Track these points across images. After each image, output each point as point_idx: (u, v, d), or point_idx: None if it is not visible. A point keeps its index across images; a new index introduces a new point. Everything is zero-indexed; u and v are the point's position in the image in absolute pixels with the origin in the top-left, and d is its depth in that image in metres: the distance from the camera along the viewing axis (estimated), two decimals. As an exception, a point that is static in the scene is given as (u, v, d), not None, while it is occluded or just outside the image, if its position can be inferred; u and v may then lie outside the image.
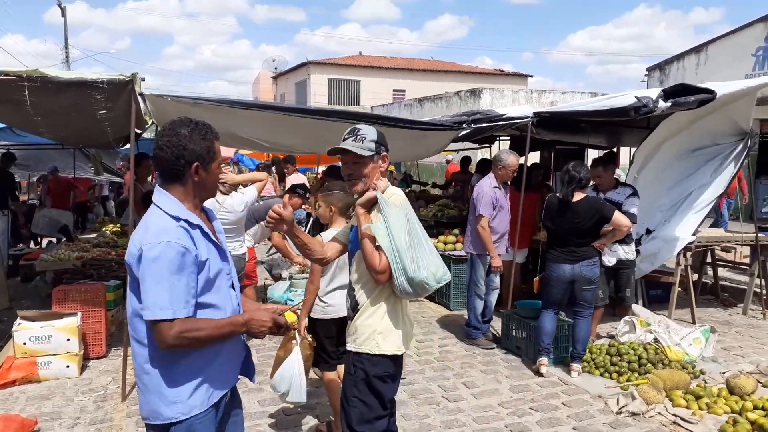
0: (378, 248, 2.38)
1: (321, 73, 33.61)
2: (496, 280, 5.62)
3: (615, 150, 8.73)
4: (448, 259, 6.93)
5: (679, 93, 5.09)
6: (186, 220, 1.86)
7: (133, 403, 4.15)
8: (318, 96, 32.90)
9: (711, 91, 5.00)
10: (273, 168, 10.47)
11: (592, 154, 15.06)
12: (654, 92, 5.06)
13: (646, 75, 17.39)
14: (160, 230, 1.79)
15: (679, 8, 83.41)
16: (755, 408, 3.89)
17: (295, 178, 9.16)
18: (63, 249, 7.31)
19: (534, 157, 11.00)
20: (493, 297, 5.66)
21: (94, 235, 9.05)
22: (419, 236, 2.43)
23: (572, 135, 7.60)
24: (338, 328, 3.42)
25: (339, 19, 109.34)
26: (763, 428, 3.63)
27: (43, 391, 4.35)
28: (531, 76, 36.23)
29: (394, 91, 33.34)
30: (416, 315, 6.61)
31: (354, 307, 2.53)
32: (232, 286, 2.04)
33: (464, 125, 6.06)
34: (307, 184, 8.40)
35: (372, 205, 2.45)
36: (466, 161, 11.03)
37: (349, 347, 2.55)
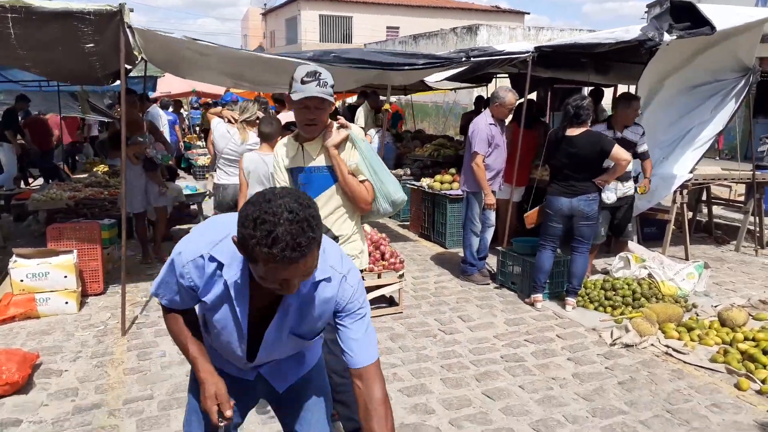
0: (363, 182, 2.66)
1: (312, 10, 32.61)
2: (492, 217, 5.62)
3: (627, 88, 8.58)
4: (444, 198, 6.92)
5: (684, 15, 4.97)
6: (218, 262, 1.57)
7: (133, 337, 4.19)
8: (309, 33, 32.03)
9: (711, 26, 4.87)
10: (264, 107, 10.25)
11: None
12: (657, 21, 4.92)
13: (645, 12, 16.94)
14: (189, 245, 1.60)
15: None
16: (746, 339, 3.98)
17: (286, 117, 8.98)
18: (55, 189, 7.22)
19: (530, 97, 10.83)
20: (489, 234, 5.68)
21: (85, 175, 8.95)
22: (383, 163, 2.76)
23: (572, 72, 7.46)
24: None
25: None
26: (752, 357, 3.73)
27: (43, 327, 4.38)
28: (528, 14, 35.33)
29: (388, 28, 32.49)
30: (412, 253, 6.65)
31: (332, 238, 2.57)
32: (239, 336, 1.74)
33: (464, 59, 5.91)
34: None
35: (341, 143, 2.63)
36: (479, 101, 10.75)
37: None
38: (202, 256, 1.57)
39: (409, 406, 3.26)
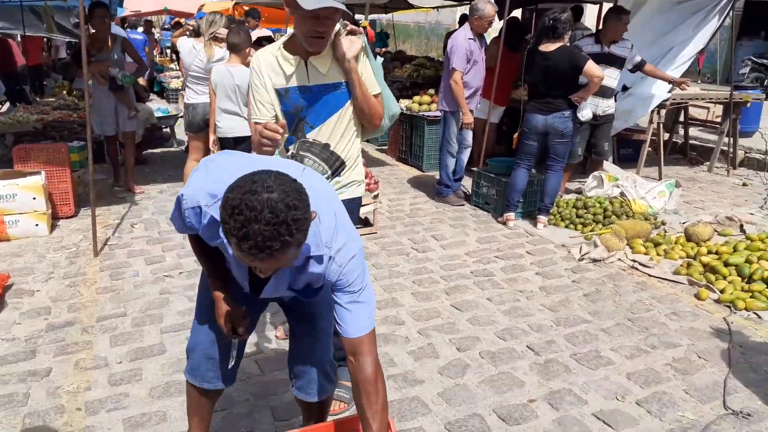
0: (377, 96, 2.32)
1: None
2: (469, 138, 5.57)
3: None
4: (422, 120, 6.83)
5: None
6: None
7: (105, 258, 4.19)
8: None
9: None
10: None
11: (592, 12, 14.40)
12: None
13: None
14: (191, 191, 1.58)
15: None
16: (709, 252, 4.09)
17: (259, 34, 8.61)
18: (21, 111, 7.00)
19: (516, 16, 10.52)
20: (465, 155, 5.65)
21: (52, 99, 8.66)
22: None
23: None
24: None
25: None
26: (714, 269, 3.84)
27: (13, 249, 4.35)
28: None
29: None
30: (389, 177, 6.63)
31: (340, 166, 2.36)
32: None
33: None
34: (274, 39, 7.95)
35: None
36: (464, 20, 10.39)
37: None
38: (200, 207, 1.55)
39: (380, 318, 3.34)
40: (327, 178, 2.32)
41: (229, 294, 1.80)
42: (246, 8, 10.31)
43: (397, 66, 9.81)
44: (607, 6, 8.26)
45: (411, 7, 10.83)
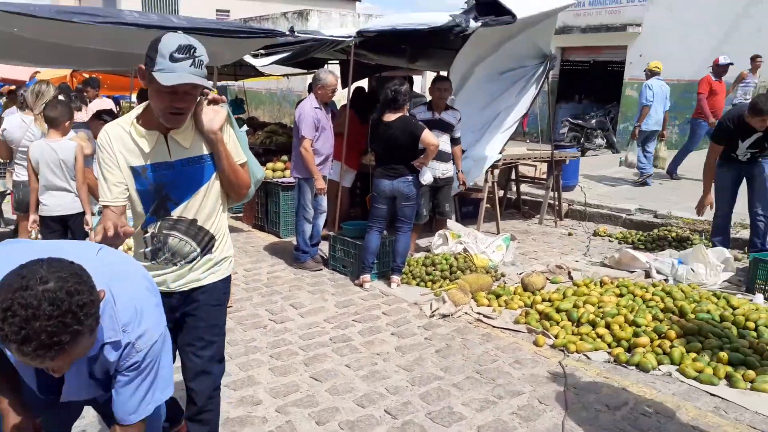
0: (243, 165, 2.27)
1: (133, -13, 30.15)
2: (324, 203, 5.70)
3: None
4: (277, 187, 6.86)
5: (489, 8, 5.41)
6: None
7: None
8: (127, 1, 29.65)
9: (512, 15, 5.36)
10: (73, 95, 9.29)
11: (418, 80, 15.47)
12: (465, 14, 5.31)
13: (465, 1, 18.13)
14: None
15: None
16: (543, 300, 4.50)
17: (99, 104, 8.22)
18: None
19: (362, 86, 11.11)
20: (321, 220, 5.76)
21: None
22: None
23: (395, 58, 7.75)
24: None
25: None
26: (548, 316, 4.22)
27: None
28: (359, 1, 35.95)
29: (218, 11, 31.15)
30: (245, 245, 6.52)
31: (210, 241, 2.27)
32: None
33: (287, 33, 5.84)
34: (115, 111, 7.63)
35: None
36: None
37: (214, 280, 2.33)
38: None
39: (236, 400, 3.23)
40: (197, 256, 2.25)
41: (21, 401, 1.56)
42: (85, 76, 9.81)
43: (250, 132, 9.84)
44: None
45: (261, 74, 11.00)
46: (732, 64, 8.98)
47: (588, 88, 16.91)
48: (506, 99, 7.03)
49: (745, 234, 5.95)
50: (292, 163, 5.77)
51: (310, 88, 10.35)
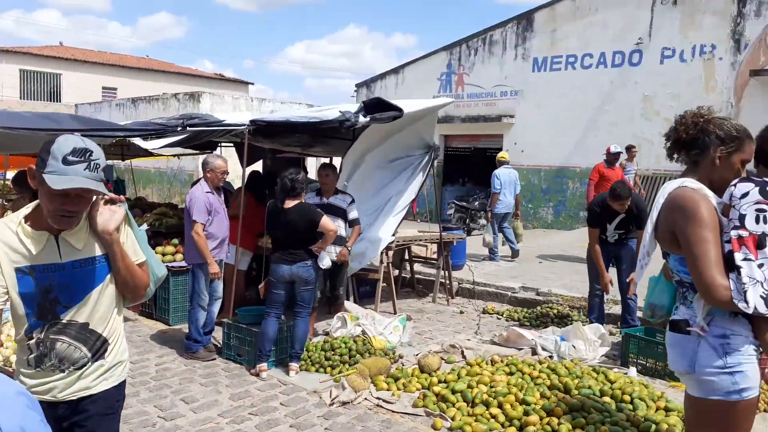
0: (141, 264, 2.20)
1: (11, 63, 28.76)
2: (219, 289, 5.57)
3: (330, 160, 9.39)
4: (167, 271, 6.59)
5: (376, 108, 5.76)
6: None
7: None
8: (6, 89, 28.07)
9: (400, 109, 5.77)
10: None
11: (312, 162, 15.86)
12: (355, 107, 5.63)
13: (355, 91, 19.08)
14: None
15: (382, 31, 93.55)
16: (439, 382, 4.62)
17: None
18: None
19: (258, 166, 11.19)
20: (216, 307, 5.60)
21: None
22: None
23: (288, 144, 7.95)
24: None
25: (34, 3, 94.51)
26: (444, 398, 4.33)
27: None
28: (252, 84, 36.63)
29: (104, 89, 30.32)
30: (130, 334, 6.13)
31: (102, 346, 2.14)
32: None
33: (179, 128, 5.85)
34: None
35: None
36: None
37: (106, 387, 2.17)
38: None
39: None
40: (87, 362, 2.11)
41: None
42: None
43: (138, 214, 9.47)
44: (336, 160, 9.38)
45: (150, 154, 10.75)
46: (621, 152, 9.72)
47: (471, 171, 18.16)
48: (396, 185, 7.40)
49: (618, 310, 6.51)
50: (184, 249, 5.63)
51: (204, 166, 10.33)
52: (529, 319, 6.73)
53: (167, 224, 8.34)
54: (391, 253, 7.06)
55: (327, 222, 4.88)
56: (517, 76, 15.50)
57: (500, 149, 16.00)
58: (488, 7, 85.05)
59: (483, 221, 15.18)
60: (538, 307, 6.97)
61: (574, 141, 14.54)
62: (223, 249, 5.58)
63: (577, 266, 8.77)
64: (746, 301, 2.04)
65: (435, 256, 8.33)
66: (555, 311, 6.74)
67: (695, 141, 2.32)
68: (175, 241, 7.16)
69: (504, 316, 7.08)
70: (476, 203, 15.09)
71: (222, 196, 5.67)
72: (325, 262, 5.24)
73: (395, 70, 18.27)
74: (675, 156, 2.46)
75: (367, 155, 6.90)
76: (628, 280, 5.78)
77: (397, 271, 8.24)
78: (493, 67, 15.99)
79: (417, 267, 8.74)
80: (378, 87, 18.45)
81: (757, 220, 2.12)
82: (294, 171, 4.96)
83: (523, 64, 15.40)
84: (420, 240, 7.95)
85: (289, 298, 5.05)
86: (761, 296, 2.05)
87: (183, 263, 6.19)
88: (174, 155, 12.16)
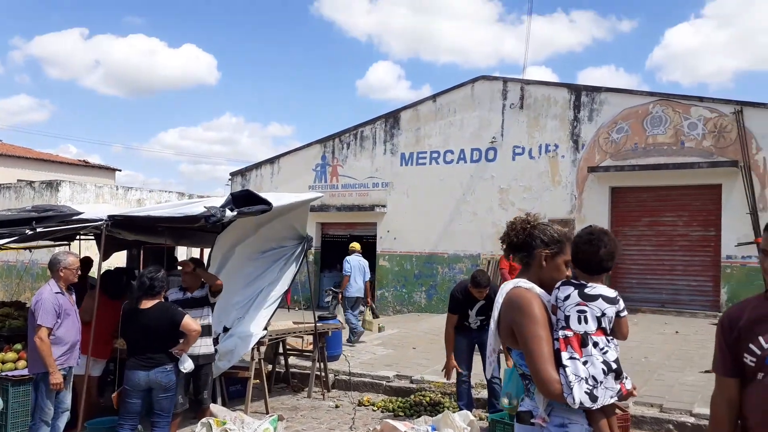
0: None
1: None
2: (67, 400, 5.07)
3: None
4: (6, 382, 5.85)
5: (245, 200, 5.78)
6: None
7: None
8: None
9: (269, 203, 5.83)
10: None
11: (183, 252, 15.26)
12: (221, 201, 5.61)
13: (229, 179, 18.96)
14: None
15: (260, 121, 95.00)
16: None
17: None
18: None
19: (121, 257, 10.55)
20: (62, 421, 5.07)
21: None
22: None
23: (154, 236, 7.64)
24: None
25: None
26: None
27: None
28: (119, 170, 35.01)
29: (-54, 173, 27.44)
30: (-46, 459, 5.30)
31: None
32: None
33: (27, 232, 5.44)
34: None
35: None
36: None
37: None
38: None
39: None
40: None
41: None
42: None
43: (-26, 316, 8.43)
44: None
45: (-4, 248, 9.77)
46: None
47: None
48: (269, 276, 7.33)
49: (486, 394, 6.73)
50: (27, 355, 5.10)
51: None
52: (403, 409, 6.76)
53: (11, 326, 7.49)
54: (263, 348, 6.86)
55: (189, 322, 4.68)
56: (387, 169, 16.34)
57: (375, 236, 16.52)
58: (365, 101, 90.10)
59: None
60: (412, 396, 7.03)
61: (441, 229, 15.39)
62: (74, 355, 5.12)
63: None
64: (573, 397, 2.25)
65: (312, 347, 8.20)
66: (428, 399, 6.84)
67: (524, 244, 2.59)
68: (18, 346, 6.43)
69: (379, 407, 7.05)
70: (352, 290, 15.20)
71: (74, 294, 5.27)
72: (187, 365, 4.97)
73: (271, 160, 18.50)
74: (511, 256, 2.72)
75: (237, 247, 6.82)
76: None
77: (270, 366, 7.97)
78: (365, 160, 16.75)
79: (292, 360, 8.53)
80: (254, 176, 18.50)
81: (579, 321, 2.39)
82: (153, 269, 4.77)
83: (392, 158, 16.32)
84: (295, 332, 7.82)
85: (146, 408, 4.69)
86: (585, 392, 2.26)
87: (26, 371, 5.57)
88: (24, 247, 11.16)
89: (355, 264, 10.64)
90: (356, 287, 10.56)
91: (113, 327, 6.17)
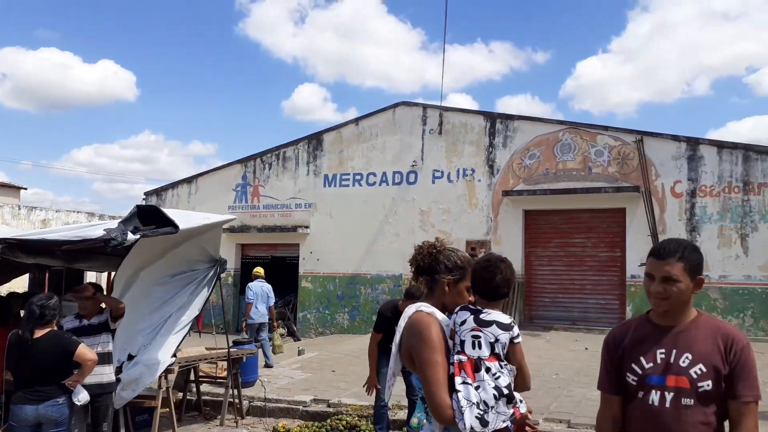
0: None
1: None
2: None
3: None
4: None
5: (151, 217, 5.53)
6: None
7: None
8: None
9: (175, 225, 5.61)
10: None
11: (92, 275, 14.47)
12: (128, 221, 5.35)
13: (143, 199, 18.22)
14: None
15: (181, 139, 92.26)
16: None
17: None
18: None
19: (23, 282, 9.87)
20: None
21: None
22: None
23: (52, 259, 7.19)
24: None
25: None
26: None
27: None
28: (25, 189, 32.80)
29: None
30: None
31: None
32: None
33: None
34: None
35: None
36: None
37: None
38: None
39: None
40: None
41: None
42: None
43: None
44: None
45: None
46: None
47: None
48: (178, 300, 7.03)
49: (403, 415, 6.73)
50: None
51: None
52: (318, 434, 6.63)
53: None
54: (171, 376, 6.55)
55: (84, 351, 4.39)
56: (310, 190, 16.27)
57: (297, 257, 16.32)
58: (291, 122, 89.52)
59: (281, 330, 15.00)
60: (329, 420, 6.92)
61: (364, 250, 15.43)
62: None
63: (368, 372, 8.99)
64: (464, 422, 2.28)
65: (226, 373, 7.92)
66: (344, 423, 6.74)
67: (429, 268, 2.62)
68: None
69: (294, 433, 6.88)
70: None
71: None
72: (81, 397, 4.65)
73: (189, 180, 17.96)
74: (419, 279, 2.73)
75: (142, 271, 6.51)
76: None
77: (181, 394, 7.63)
78: (288, 181, 16.60)
79: (205, 387, 8.20)
80: (170, 195, 17.89)
81: (473, 346, 2.42)
82: (44, 296, 4.45)
83: (315, 179, 16.27)
84: (207, 358, 7.54)
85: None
86: (477, 417, 2.29)
87: None
88: None
89: (258, 290, 10.61)
90: (259, 314, 10.52)
91: (2, 358, 5.73)
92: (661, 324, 2.30)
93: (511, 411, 2.38)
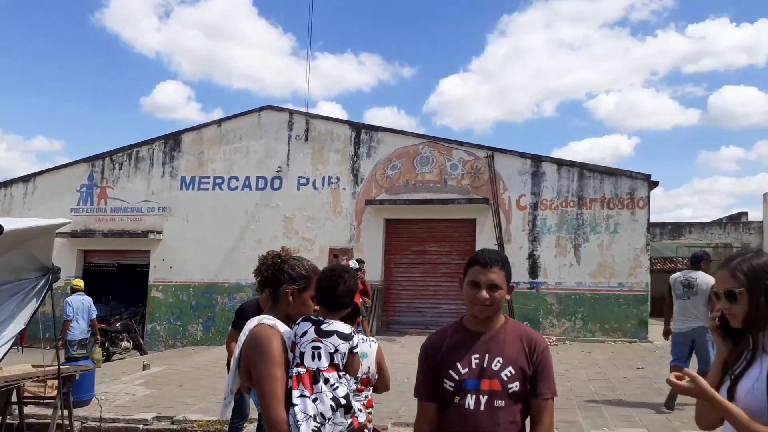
0: None
1: None
2: None
3: None
4: None
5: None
6: None
7: None
8: None
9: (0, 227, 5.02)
10: None
11: None
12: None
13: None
14: None
15: (22, 133, 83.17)
16: None
17: None
18: None
19: None
20: None
21: None
22: None
23: None
24: None
25: None
26: None
27: None
28: None
29: None
30: None
31: None
32: None
33: None
34: None
35: None
36: None
37: None
38: None
39: None
40: None
41: None
42: None
43: None
44: None
45: None
46: (360, 267, 9.96)
47: (116, 289, 16.76)
48: (3, 312, 6.32)
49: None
50: None
51: None
52: (159, 454, 6.25)
53: None
54: (-14, 397, 5.82)
55: None
56: (165, 193, 15.40)
57: (148, 265, 15.34)
58: (150, 120, 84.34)
59: (126, 344, 13.99)
60: (171, 438, 6.55)
61: (223, 257, 14.91)
62: None
63: (220, 384, 8.66)
64: None
65: (56, 393, 7.19)
66: (188, 439, 6.44)
67: (274, 279, 2.55)
68: None
69: (132, 454, 6.43)
70: (118, 324, 13.86)
71: None
72: None
73: (25, 178, 16.21)
74: (264, 290, 2.64)
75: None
76: None
77: (0, 418, 6.80)
78: (140, 183, 15.58)
79: (31, 409, 7.40)
80: (1, 195, 16.00)
81: (313, 357, 2.39)
82: None
83: (171, 181, 15.44)
84: (32, 376, 6.80)
85: None
86: (313, 429, 2.26)
87: None
88: None
89: (78, 305, 9.99)
90: (80, 328, 9.93)
91: None
92: (475, 330, 2.42)
93: (349, 421, 2.38)
